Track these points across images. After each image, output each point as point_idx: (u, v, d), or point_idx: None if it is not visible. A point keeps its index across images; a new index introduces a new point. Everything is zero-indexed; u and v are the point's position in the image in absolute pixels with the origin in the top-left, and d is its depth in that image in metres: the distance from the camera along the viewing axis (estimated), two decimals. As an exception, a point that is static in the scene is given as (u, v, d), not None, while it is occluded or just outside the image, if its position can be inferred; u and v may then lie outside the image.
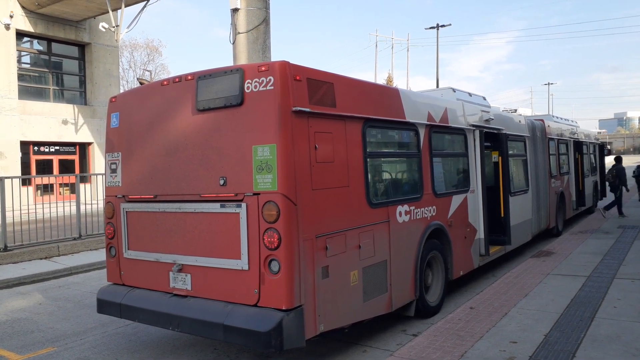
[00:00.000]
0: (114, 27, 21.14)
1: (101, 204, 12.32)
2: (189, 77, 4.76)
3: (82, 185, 12.34)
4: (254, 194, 4.26)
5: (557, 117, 13.66)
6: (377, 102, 5.49)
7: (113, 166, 5.45)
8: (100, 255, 10.60)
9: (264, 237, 4.20)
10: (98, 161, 24.37)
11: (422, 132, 6.22)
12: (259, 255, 4.23)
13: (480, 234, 7.59)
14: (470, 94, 8.34)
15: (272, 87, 4.21)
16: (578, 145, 14.18)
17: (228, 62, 17.55)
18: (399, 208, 5.62)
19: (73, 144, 23.96)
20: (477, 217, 7.52)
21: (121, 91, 30.09)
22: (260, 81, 4.28)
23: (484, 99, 8.85)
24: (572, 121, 15.13)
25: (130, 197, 5.27)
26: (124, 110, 5.39)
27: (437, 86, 37.21)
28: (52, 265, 9.84)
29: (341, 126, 4.82)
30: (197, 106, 4.65)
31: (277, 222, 4.14)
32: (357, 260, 4.88)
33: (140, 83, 5.07)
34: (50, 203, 11.40)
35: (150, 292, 4.99)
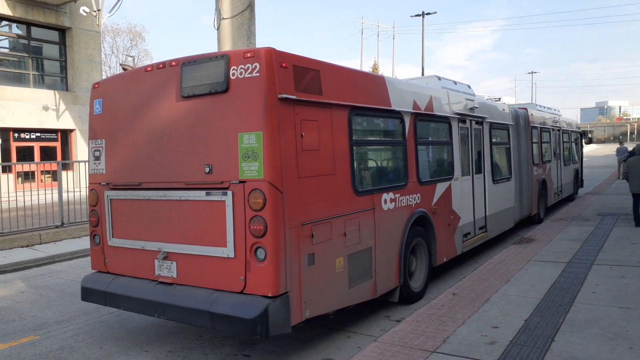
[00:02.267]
0: (95, 11, 20.71)
1: (84, 192, 12.15)
2: (173, 63, 4.67)
3: (64, 173, 12.15)
4: (240, 182, 4.23)
5: (540, 106, 13.80)
6: (363, 90, 5.46)
7: (97, 153, 5.39)
8: (83, 243, 10.48)
9: (249, 225, 4.19)
10: (81, 148, 24.00)
11: (407, 120, 6.25)
12: (244, 243, 4.22)
13: (464, 220, 7.72)
14: (455, 82, 8.35)
15: (257, 74, 4.15)
16: (561, 133, 14.38)
17: (213, 49, 17.22)
18: (384, 196, 5.67)
19: (54, 131, 23.54)
20: (460, 204, 7.61)
21: (104, 77, 29.61)
22: (245, 68, 4.21)
23: (469, 87, 8.89)
24: (555, 110, 15.25)
25: (114, 184, 5.22)
26: (107, 97, 5.30)
27: (423, 74, 37.19)
28: (33, 253, 9.71)
29: (327, 114, 4.81)
30: (181, 93, 4.58)
31: (263, 210, 4.13)
32: (343, 247, 4.92)
33: (124, 69, 5.13)
34: (31, 190, 11.22)
35: (135, 280, 4.96)
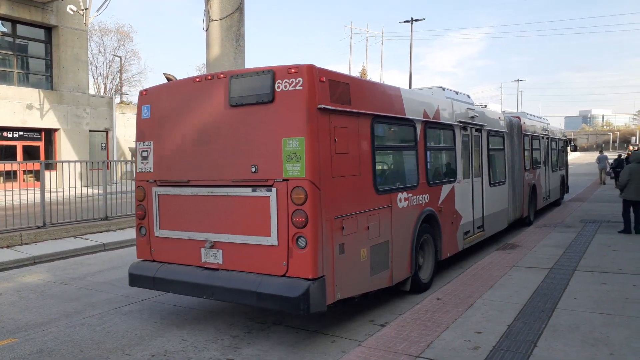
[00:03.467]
0: (82, 9, 20.50)
1: (67, 192, 12.00)
2: (221, 76, 5.31)
3: (47, 173, 11.98)
4: (284, 180, 4.88)
5: (531, 115, 14.36)
6: (383, 101, 6.12)
7: (144, 154, 5.99)
8: (65, 244, 10.34)
9: (292, 217, 4.82)
10: (65, 148, 23.69)
11: (418, 128, 6.95)
12: (287, 232, 4.85)
13: (465, 219, 8.43)
14: (457, 93, 9.06)
15: (301, 87, 4.82)
16: (549, 141, 15.03)
17: (202, 50, 17.11)
18: (400, 195, 6.34)
19: (38, 130, 23.21)
20: (462, 204, 8.27)
21: (90, 76, 29.30)
22: (290, 82, 4.87)
23: (469, 97, 9.54)
24: (544, 118, 15.80)
25: (161, 181, 5.82)
26: (155, 103, 5.89)
27: (410, 80, 37.47)
28: (14, 254, 9.53)
29: (355, 121, 5.46)
30: (229, 102, 5.21)
31: (304, 205, 4.78)
32: (366, 239, 5.56)
33: (167, 78, 5.78)
34: (13, 190, 11.02)
35: (182, 267, 5.56)
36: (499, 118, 10.66)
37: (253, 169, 5.07)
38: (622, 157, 26.11)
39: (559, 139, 16.80)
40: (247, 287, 4.95)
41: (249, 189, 5.09)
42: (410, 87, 35.49)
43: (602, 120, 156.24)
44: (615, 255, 8.44)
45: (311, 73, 4.83)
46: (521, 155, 11.94)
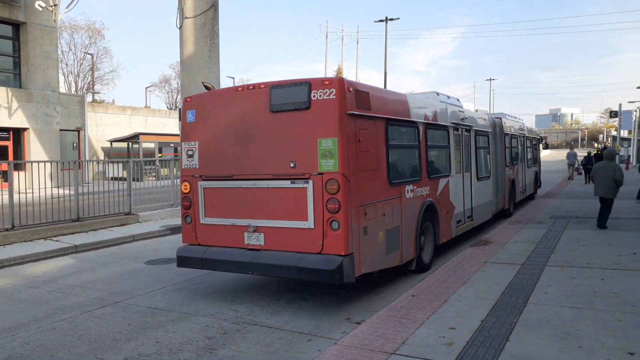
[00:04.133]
0: (51, 6, 19.97)
1: (37, 193, 11.68)
2: (262, 86, 6.23)
3: (15, 173, 11.63)
4: (319, 174, 5.82)
5: (509, 115, 15.52)
6: (394, 106, 7.15)
7: (190, 152, 6.84)
8: (36, 246, 10.07)
9: (326, 205, 5.77)
10: (34, 148, 23.08)
11: (421, 129, 7.96)
12: (322, 217, 5.80)
13: (458, 209, 9.47)
14: (448, 97, 10.30)
15: (334, 97, 5.76)
16: (525, 139, 16.20)
17: (175, 47, 16.85)
18: (407, 187, 7.34)
19: (6, 130, 22.55)
20: (455, 196, 9.31)
21: (60, 74, 28.64)
22: (324, 92, 5.80)
23: (458, 100, 10.76)
24: (519, 118, 16.93)
25: (206, 176, 6.68)
26: (199, 108, 6.77)
27: (385, 79, 37.77)
28: (-19, 257, 9.22)
29: (373, 124, 6.43)
30: (270, 108, 6.13)
31: (337, 194, 5.73)
32: (382, 224, 6.54)
33: (206, 87, 7.50)
34: (-21, 191, 10.66)
35: (227, 249, 6.45)
36: (484, 119, 11.79)
37: (292, 165, 6.00)
38: (592, 154, 26.85)
39: (532, 138, 17.88)
40: (288, 263, 5.87)
41: (288, 182, 6.02)
42: (385, 86, 35.81)
43: (571, 118, 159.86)
44: (584, 250, 8.65)
45: (342, 85, 5.81)
46: (503, 152, 13.05)
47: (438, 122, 8.66)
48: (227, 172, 6.52)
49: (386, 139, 6.72)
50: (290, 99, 5.99)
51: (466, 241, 10.33)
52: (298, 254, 5.91)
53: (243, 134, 6.38)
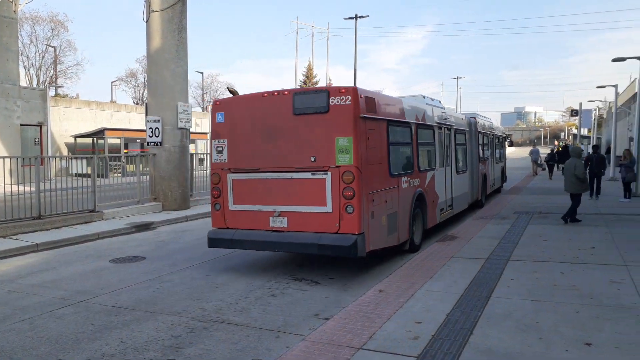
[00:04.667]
0: (11, -4, 19.22)
1: (2, 189, 11.25)
2: (286, 93, 7.39)
3: (-28, 169, 11.15)
4: (336, 167, 7.01)
5: (481, 115, 16.68)
6: (393, 109, 8.44)
7: (219, 149, 7.93)
8: (-6, 245, 9.68)
9: (343, 192, 6.95)
10: (-7, 143, 22.20)
11: (413, 128, 9.23)
12: (339, 203, 6.98)
13: (441, 199, 10.78)
14: (432, 99, 11.71)
15: (349, 103, 6.97)
16: (494, 137, 17.50)
17: (142, 41, 16.59)
18: (403, 178, 8.58)
19: (-37, 124, 21.60)
20: (439, 187, 10.62)
21: (21, 67, 27.67)
22: (341, 98, 6.99)
23: (440, 102, 12.22)
24: (488, 118, 18.12)
25: (235, 169, 7.81)
26: (228, 111, 7.89)
27: (355, 76, 37.96)
28: None
29: (378, 125, 7.64)
30: (294, 112, 7.28)
31: (352, 183, 6.91)
32: (385, 209, 7.74)
33: (231, 92, 9.21)
34: None
35: (254, 231, 7.58)
36: (462, 118, 13.32)
37: (312, 159, 7.15)
38: (554, 151, 27.66)
39: (500, 135, 19.23)
40: (310, 241, 7.06)
41: (309, 173, 7.17)
42: (355, 83, 35.99)
43: (535, 116, 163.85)
44: (546, 245, 8.91)
45: (356, 92, 7.00)
46: (477, 149, 14.40)
47: (426, 122, 9.95)
48: (254, 165, 7.62)
49: (387, 138, 7.94)
50: (311, 104, 7.15)
51: (432, 237, 10.48)
52: (318, 234, 7.06)
53: (268, 133, 7.49)
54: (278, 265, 8.36)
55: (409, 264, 7.67)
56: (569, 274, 6.86)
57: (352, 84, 35.58)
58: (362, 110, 7.06)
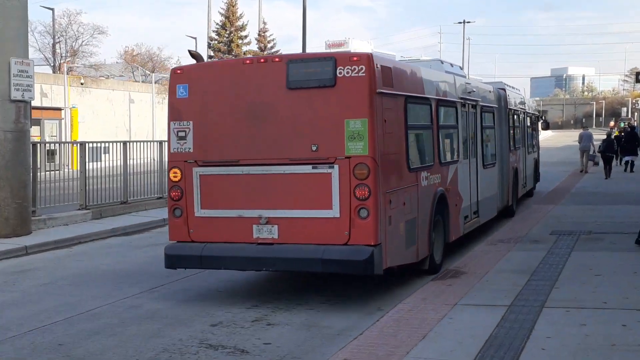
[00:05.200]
0: None
1: None
2: (277, 59, 8.50)
3: None
4: (346, 158, 7.93)
5: (510, 85, 17.48)
6: (411, 81, 9.69)
7: (181, 134, 8.75)
8: None
9: (354, 191, 7.89)
10: None
11: (433, 106, 10.47)
12: (349, 205, 7.93)
13: (466, 202, 12.14)
14: (451, 65, 12.90)
15: (364, 74, 7.87)
16: (525, 117, 18.43)
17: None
18: (422, 173, 9.80)
19: None
20: (463, 186, 11.97)
21: None
22: (352, 68, 7.85)
23: (461, 68, 13.60)
24: (517, 88, 19.09)
25: (204, 161, 8.66)
26: (194, 83, 8.72)
27: (304, 18, 38.45)
28: None
29: (395, 103, 8.74)
30: (288, 85, 8.15)
31: (367, 179, 7.86)
32: (403, 214, 8.88)
33: (193, 56, 10.47)
34: None
35: (230, 245, 8.54)
36: (490, 91, 14.63)
37: (314, 148, 8.05)
38: (612, 136, 28.51)
39: (532, 114, 20.18)
40: (311, 256, 8.02)
41: (309, 167, 8.11)
42: (304, 29, 36.29)
43: (582, 82, 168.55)
44: (599, 281, 9.18)
45: (371, 61, 7.88)
46: (507, 133, 15.86)
47: (448, 98, 11.19)
48: (232, 156, 8.53)
49: (405, 119, 9.04)
50: (312, 76, 8.05)
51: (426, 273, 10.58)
52: (321, 246, 8.04)
53: (252, 113, 8.38)
54: (183, 321, 8.27)
55: (390, 316, 7.72)
56: (634, 328, 7.06)
57: (302, 30, 35.84)
58: (379, 85, 8.02)
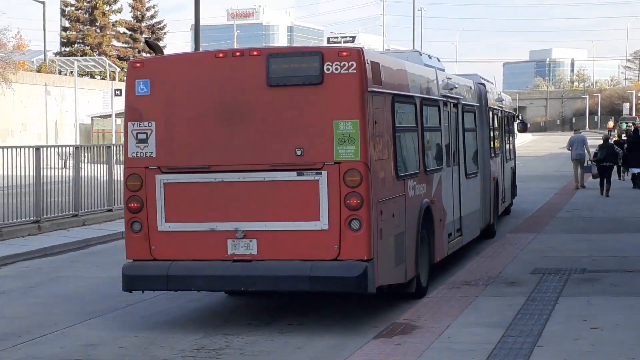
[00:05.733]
0: None
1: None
2: (255, 53, 9.62)
3: None
4: (335, 163, 9.17)
5: (484, 78, 18.56)
6: (397, 77, 11.21)
7: (141, 136, 9.81)
8: None
9: (345, 200, 9.13)
10: None
11: (417, 105, 12.10)
12: (339, 216, 9.19)
13: (449, 217, 13.94)
14: (429, 57, 14.79)
15: (354, 71, 9.15)
16: (503, 116, 19.75)
17: None
18: (409, 182, 11.36)
19: None
20: (446, 198, 13.76)
21: None
22: (341, 64, 9.10)
23: (439, 60, 15.22)
24: (489, 81, 19.82)
25: (170, 167, 9.76)
26: (156, 78, 9.82)
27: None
28: None
29: (383, 102, 10.08)
30: (268, 82, 9.38)
31: (359, 187, 9.12)
32: (392, 227, 10.32)
33: (152, 47, 10.94)
34: None
35: (201, 262, 9.77)
36: (470, 87, 16.54)
37: (298, 152, 9.29)
38: (611, 140, 28.70)
39: (508, 113, 21.56)
40: (296, 273, 9.28)
41: (293, 173, 9.40)
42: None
43: (572, 69, 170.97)
44: (595, 336, 9.27)
45: (362, 56, 9.16)
46: (488, 137, 17.52)
47: (431, 96, 12.96)
48: (203, 162, 9.76)
49: (393, 120, 10.45)
50: (296, 72, 9.39)
51: (369, 327, 10.52)
52: (307, 262, 9.33)
53: (226, 113, 9.60)
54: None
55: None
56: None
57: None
58: (370, 82, 9.37)
